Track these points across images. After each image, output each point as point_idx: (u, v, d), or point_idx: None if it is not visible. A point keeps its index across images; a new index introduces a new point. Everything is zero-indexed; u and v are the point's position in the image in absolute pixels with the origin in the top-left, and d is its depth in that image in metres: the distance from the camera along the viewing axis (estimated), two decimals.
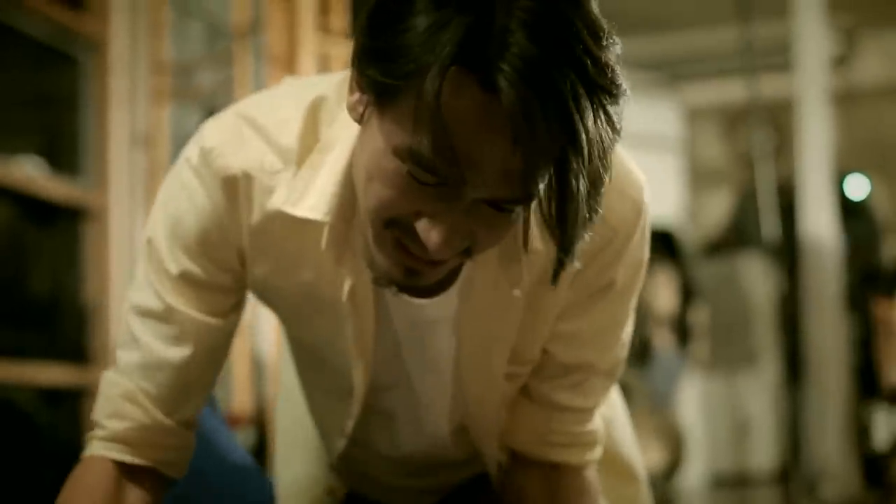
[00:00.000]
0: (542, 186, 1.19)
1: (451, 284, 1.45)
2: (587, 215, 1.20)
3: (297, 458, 1.90)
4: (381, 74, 1.18)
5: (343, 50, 4.06)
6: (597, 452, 1.64)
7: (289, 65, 3.78)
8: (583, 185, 1.17)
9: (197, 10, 4.85)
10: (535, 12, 1.13)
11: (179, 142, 4.43)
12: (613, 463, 1.81)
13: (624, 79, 1.18)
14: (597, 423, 1.63)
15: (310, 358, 1.66)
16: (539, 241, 1.39)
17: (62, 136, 4.28)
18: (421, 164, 1.18)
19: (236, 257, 1.47)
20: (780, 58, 6.26)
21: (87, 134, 4.26)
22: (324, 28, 4.16)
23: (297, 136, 1.41)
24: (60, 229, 4.18)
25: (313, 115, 1.43)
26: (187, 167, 1.45)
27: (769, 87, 6.20)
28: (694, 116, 7.99)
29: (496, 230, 1.27)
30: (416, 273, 1.30)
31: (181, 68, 4.66)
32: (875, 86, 7.88)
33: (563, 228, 1.20)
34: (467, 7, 1.13)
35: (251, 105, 1.49)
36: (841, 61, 7.62)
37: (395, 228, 1.25)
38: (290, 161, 1.41)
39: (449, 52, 1.12)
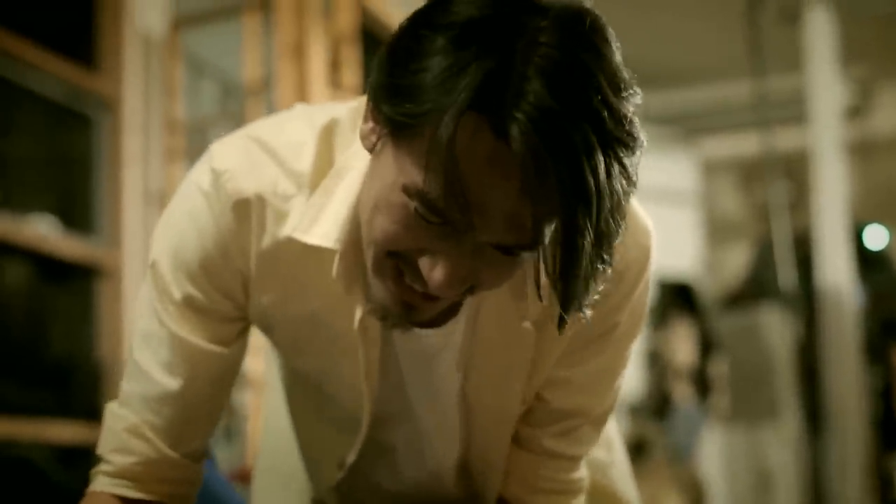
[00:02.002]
0: (548, 233, 1.17)
1: (456, 314, 1.41)
2: (591, 272, 1.18)
3: (278, 496, 1.85)
4: (396, 113, 1.16)
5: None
6: (580, 500, 1.61)
7: None
8: (588, 243, 1.14)
9: (209, 69, 4.89)
10: (554, 60, 1.11)
11: None
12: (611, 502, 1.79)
13: (641, 129, 1.17)
14: (583, 471, 1.61)
15: (309, 391, 1.62)
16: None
17: (76, 194, 4.29)
18: (429, 206, 1.16)
19: (240, 284, 1.44)
20: (795, 110, 6.26)
21: (100, 193, 4.29)
22: (335, 83, 4.18)
23: (311, 161, 1.39)
24: (74, 288, 4.19)
25: (327, 139, 1.41)
26: (196, 190, 1.42)
27: (785, 139, 6.21)
28: (710, 169, 7.98)
29: (501, 272, 1.25)
30: (412, 308, 1.28)
31: (194, 126, 4.70)
32: (892, 136, 7.87)
33: (565, 286, 1.18)
34: (487, 51, 1.12)
35: (262, 128, 1.46)
36: (856, 112, 7.61)
37: (397, 259, 1.24)
38: (303, 186, 1.38)
39: (466, 97, 1.11)
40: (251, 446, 4.26)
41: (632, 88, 1.16)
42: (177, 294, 1.43)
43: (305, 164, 1.39)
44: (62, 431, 3.95)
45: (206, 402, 1.50)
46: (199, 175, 1.43)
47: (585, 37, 1.14)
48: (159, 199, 4.39)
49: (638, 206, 1.44)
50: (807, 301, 5.95)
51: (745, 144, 7.62)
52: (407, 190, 1.17)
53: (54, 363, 4.13)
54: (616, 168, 1.14)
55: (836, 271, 5.69)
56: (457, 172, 1.13)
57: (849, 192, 5.97)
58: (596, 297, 1.27)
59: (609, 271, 1.20)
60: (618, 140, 1.13)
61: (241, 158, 1.40)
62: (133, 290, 4.22)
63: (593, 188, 1.11)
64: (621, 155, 1.14)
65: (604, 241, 1.17)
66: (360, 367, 1.46)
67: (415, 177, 1.16)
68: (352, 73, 4.34)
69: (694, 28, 7.09)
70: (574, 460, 1.59)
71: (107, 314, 4.21)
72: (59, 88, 4.17)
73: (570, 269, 1.16)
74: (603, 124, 1.12)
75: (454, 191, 1.14)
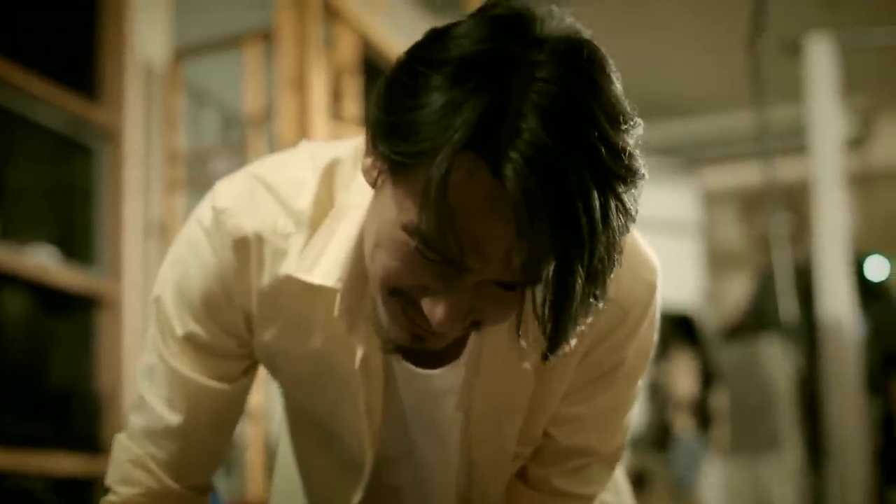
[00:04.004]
0: (546, 270, 1.16)
1: (458, 355, 1.42)
2: (581, 311, 1.17)
3: None
4: (392, 152, 1.16)
5: (355, 136, 4.07)
6: None
7: None
8: (580, 284, 1.13)
9: (210, 100, 4.89)
10: (551, 96, 1.10)
11: None
12: None
13: (642, 162, 1.15)
14: None
15: (313, 430, 1.62)
16: None
17: (76, 225, 4.29)
18: (427, 244, 1.15)
19: (243, 322, 1.44)
20: (796, 140, 6.25)
21: (101, 223, 4.28)
22: (336, 115, 4.18)
23: (311, 200, 1.39)
24: (74, 318, 4.18)
25: (328, 179, 1.41)
26: (198, 227, 1.43)
27: (786, 170, 6.20)
28: (711, 200, 7.99)
29: (505, 307, 1.24)
30: (421, 339, 1.27)
31: (195, 157, 4.70)
32: (893, 167, 7.87)
33: (555, 324, 1.17)
34: (483, 88, 1.10)
35: (265, 166, 1.46)
36: (857, 143, 7.62)
37: (400, 298, 1.23)
38: (303, 225, 1.38)
39: (461, 136, 1.09)
40: (251, 478, 4.25)
41: (632, 120, 1.15)
42: (179, 330, 1.44)
43: (305, 202, 1.39)
44: (61, 463, 3.93)
45: (208, 437, 1.50)
46: (201, 213, 1.44)
47: (583, 70, 1.13)
48: (160, 230, 4.39)
49: (643, 242, 1.44)
50: (808, 332, 5.93)
51: (745, 175, 7.63)
52: (406, 228, 1.17)
53: (53, 394, 4.12)
54: (613, 204, 1.12)
55: (837, 303, 5.67)
56: (451, 212, 1.12)
57: (850, 222, 5.96)
58: (598, 332, 1.26)
59: (601, 305, 1.19)
60: (616, 176, 1.12)
61: (241, 196, 1.41)
62: (133, 321, 4.21)
63: (587, 229, 1.10)
64: (619, 191, 1.12)
65: (598, 279, 1.16)
66: (360, 407, 1.45)
67: (413, 215, 1.15)
68: (353, 104, 4.35)
69: (695, 59, 7.11)
70: (585, 499, 1.58)
71: (106, 345, 4.20)
72: (60, 118, 4.18)
73: (560, 308, 1.16)
74: (601, 161, 1.10)
75: (449, 230, 1.13)
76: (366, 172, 1.26)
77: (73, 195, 4.32)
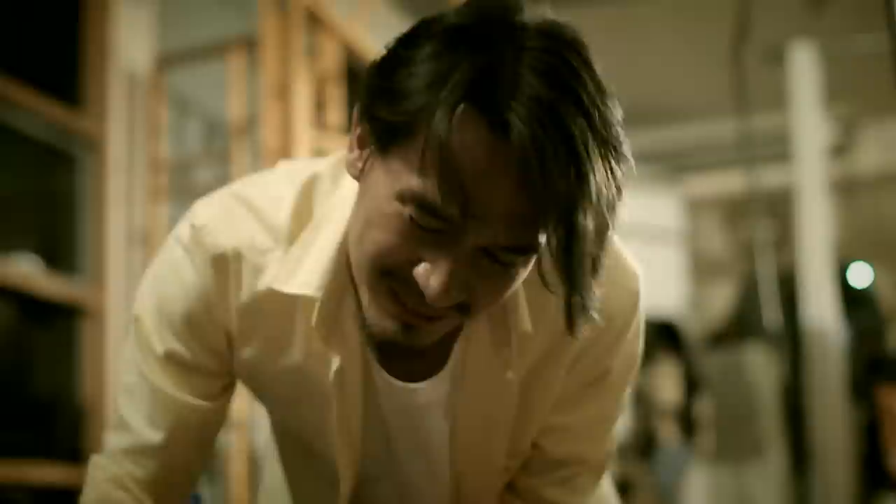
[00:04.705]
0: (543, 240, 1.17)
1: (442, 367, 1.42)
2: (593, 264, 1.17)
3: None
4: (390, 114, 1.17)
5: (338, 145, 4.08)
6: None
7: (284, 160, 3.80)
8: (591, 224, 1.14)
9: (194, 109, 4.89)
10: (544, 61, 1.13)
11: None
12: None
13: (627, 143, 1.17)
14: None
15: (296, 446, 1.62)
16: (529, 323, 1.37)
17: (60, 234, 4.29)
18: (425, 207, 1.15)
19: (223, 339, 1.44)
20: (779, 148, 6.27)
21: (84, 232, 4.28)
22: (319, 123, 4.18)
23: (289, 215, 1.39)
24: (57, 328, 4.17)
25: (307, 194, 1.41)
26: (177, 245, 1.42)
27: (769, 177, 6.22)
28: (695, 207, 7.99)
29: (495, 285, 1.24)
30: (411, 328, 1.26)
31: (179, 165, 4.69)
32: (875, 174, 7.89)
33: (570, 266, 1.15)
34: (477, 50, 1.13)
35: (245, 184, 1.47)
36: (840, 150, 7.64)
37: (391, 280, 1.23)
38: (281, 240, 1.38)
39: (459, 91, 1.12)
40: (235, 488, 4.24)
41: (615, 102, 1.17)
42: (159, 348, 1.44)
43: (283, 217, 1.39)
44: (44, 473, 3.92)
45: (188, 455, 1.49)
46: (180, 231, 1.44)
47: (570, 44, 1.16)
48: (143, 239, 4.38)
49: (626, 251, 1.44)
50: (792, 339, 5.95)
51: (729, 182, 7.64)
52: (401, 196, 1.17)
53: (36, 403, 4.11)
54: (608, 168, 1.14)
55: (821, 309, 5.69)
56: (453, 166, 1.13)
57: (833, 230, 5.98)
58: (583, 342, 1.26)
59: (601, 275, 1.20)
60: (607, 142, 1.14)
61: (219, 214, 1.42)
62: (116, 330, 4.20)
63: (593, 175, 1.12)
64: (611, 158, 1.15)
65: (604, 232, 1.17)
66: (334, 418, 1.45)
67: (409, 180, 1.16)
68: (337, 113, 4.35)
69: (679, 67, 7.12)
70: None
71: (90, 354, 4.19)
72: (44, 127, 4.17)
73: (574, 249, 1.14)
74: (594, 122, 1.13)
75: (451, 186, 1.13)
76: (350, 166, 1.27)
77: (56, 204, 4.32)
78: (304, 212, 1.40)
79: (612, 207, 1.16)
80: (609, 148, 1.14)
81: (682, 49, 6.87)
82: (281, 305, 1.39)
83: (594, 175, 1.12)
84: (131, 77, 4.46)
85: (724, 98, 6.23)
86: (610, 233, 1.18)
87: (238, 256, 1.39)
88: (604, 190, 1.14)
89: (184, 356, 1.44)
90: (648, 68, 6.90)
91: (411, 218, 1.17)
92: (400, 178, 1.17)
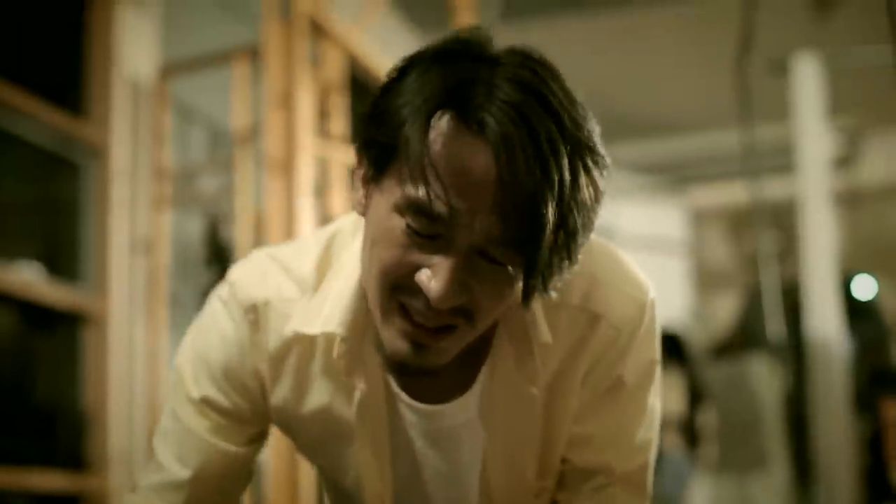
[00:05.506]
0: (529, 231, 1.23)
1: (467, 389, 1.49)
2: (563, 251, 1.25)
3: None
4: (380, 136, 1.27)
5: (342, 154, 4.08)
6: None
7: (287, 169, 3.79)
8: (557, 217, 1.21)
9: (198, 117, 4.89)
10: (517, 73, 1.24)
11: (180, 247, 4.44)
12: None
13: (604, 146, 1.26)
14: None
15: (335, 486, 1.69)
16: (549, 335, 1.44)
17: (63, 241, 4.29)
18: (417, 211, 1.23)
19: (257, 385, 1.54)
20: (783, 159, 6.26)
21: (87, 239, 4.28)
22: (323, 133, 4.18)
23: (313, 267, 1.51)
24: (60, 335, 4.17)
25: (329, 247, 1.53)
26: (217, 299, 1.56)
27: (773, 188, 6.21)
28: (699, 219, 8.00)
29: (494, 287, 1.29)
30: (422, 347, 1.32)
31: (182, 174, 4.69)
32: (880, 186, 7.89)
33: (533, 254, 1.24)
34: (455, 66, 1.25)
35: (280, 246, 1.60)
36: (844, 162, 7.64)
37: (400, 294, 1.30)
38: (306, 289, 1.50)
39: (437, 98, 1.23)
40: None
41: (586, 110, 1.26)
42: (195, 394, 1.54)
43: (307, 269, 1.51)
44: (45, 480, 3.92)
45: (214, 495, 1.56)
46: (220, 288, 1.58)
47: (539, 61, 1.27)
48: (146, 247, 4.38)
49: (633, 263, 1.51)
50: (795, 351, 5.94)
51: (733, 194, 7.64)
52: (397, 208, 1.26)
53: (39, 410, 4.11)
54: (580, 166, 1.23)
55: (825, 321, 5.68)
56: (436, 167, 1.22)
57: (837, 241, 5.97)
58: (594, 353, 1.33)
59: (569, 271, 1.28)
60: (578, 142, 1.24)
61: (252, 270, 1.56)
62: (119, 338, 4.20)
63: (556, 173, 1.21)
64: (584, 157, 1.24)
65: (573, 226, 1.24)
66: (362, 450, 1.53)
67: (401, 191, 1.24)
68: (340, 121, 4.34)
69: (683, 79, 7.12)
70: None
71: (92, 362, 4.19)
72: (47, 135, 4.17)
73: (535, 241, 1.23)
74: (563, 125, 1.22)
75: (436, 185, 1.21)
76: (356, 204, 1.36)
77: (60, 211, 4.32)
78: (325, 263, 1.52)
79: (585, 204, 1.25)
80: (582, 148, 1.24)
81: (686, 61, 6.88)
82: (307, 349, 1.50)
83: (562, 171, 1.20)
84: (135, 85, 4.46)
85: (728, 109, 6.23)
86: (580, 226, 1.25)
87: (267, 306, 1.51)
88: (574, 186, 1.22)
89: (219, 402, 1.54)
90: (653, 80, 6.91)
91: (408, 226, 1.25)
92: (394, 192, 1.26)
